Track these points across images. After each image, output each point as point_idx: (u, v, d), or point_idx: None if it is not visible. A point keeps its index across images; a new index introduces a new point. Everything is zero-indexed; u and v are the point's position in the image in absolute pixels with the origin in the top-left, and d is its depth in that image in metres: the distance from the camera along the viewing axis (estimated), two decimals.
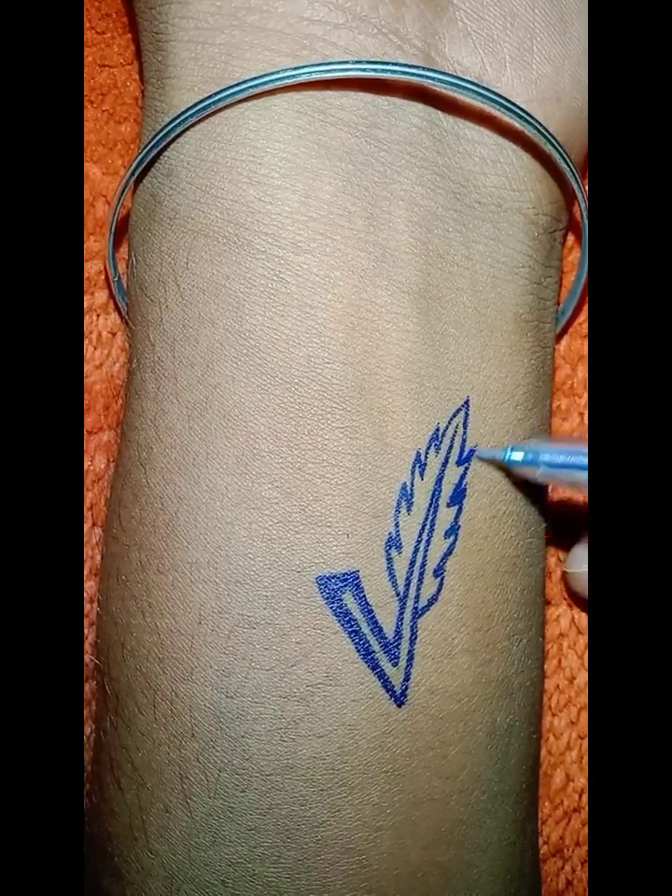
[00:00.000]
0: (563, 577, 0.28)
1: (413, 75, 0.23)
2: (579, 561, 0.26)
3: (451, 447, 0.24)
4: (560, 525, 0.27)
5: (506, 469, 0.24)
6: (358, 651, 0.22)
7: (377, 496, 0.23)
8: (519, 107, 0.23)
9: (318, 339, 0.23)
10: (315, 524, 0.22)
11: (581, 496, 0.27)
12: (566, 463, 0.23)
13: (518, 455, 0.24)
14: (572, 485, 0.24)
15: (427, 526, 0.23)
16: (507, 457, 0.24)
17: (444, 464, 0.23)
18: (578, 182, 0.25)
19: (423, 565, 0.23)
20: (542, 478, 0.24)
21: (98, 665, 0.24)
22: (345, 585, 0.22)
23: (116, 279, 0.26)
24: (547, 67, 0.25)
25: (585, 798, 0.27)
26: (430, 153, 0.24)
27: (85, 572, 0.26)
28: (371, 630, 0.23)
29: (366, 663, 0.22)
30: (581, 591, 0.27)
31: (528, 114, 0.23)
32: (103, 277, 0.28)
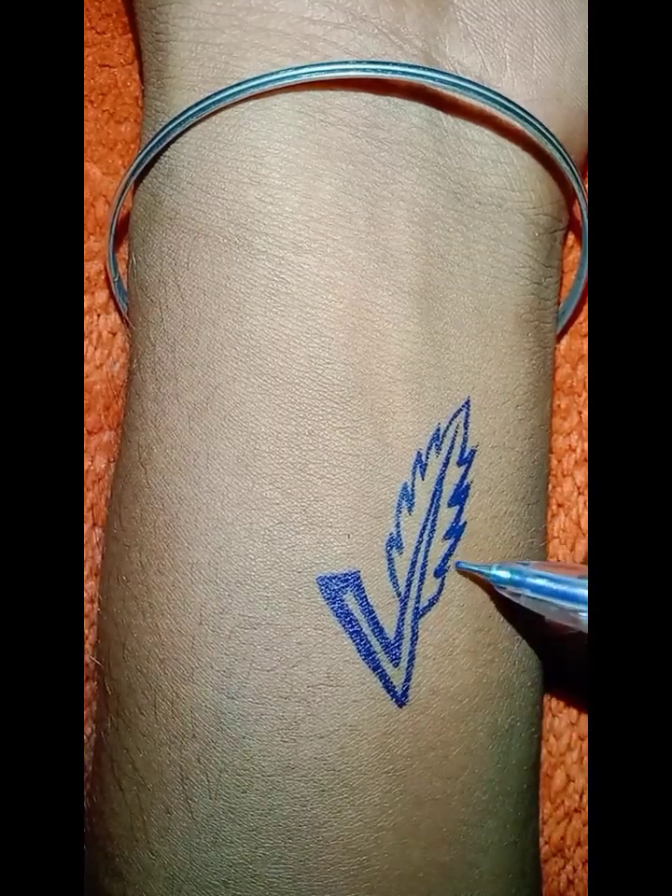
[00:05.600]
0: None
1: (414, 75, 0.23)
2: None
3: (452, 447, 0.24)
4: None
5: (490, 587, 0.23)
6: (360, 651, 0.22)
7: (378, 496, 0.23)
8: (520, 107, 0.23)
9: (319, 339, 0.23)
10: (316, 524, 0.22)
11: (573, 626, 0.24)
12: (556, 591, 0.22)
13: (504, 574, 0.22)
14: (561, 615, 0.22)
15: (428, 527, 0.23)
16: (492, 575, 0.23)
17: (445, 464, 0.23)
18: (578, 182, 0.25)
19: (424, 565, 0.23)
20: (528, 603, 0.22)
21: (98, 665, 0.24)
22: (346, 586, 0.22)
23: (116, 279, 0.26)
24: (547, 67, 0.25)
25: (586, 798, 0.27)
26: (431, 153, 0.24)
27: (85, 572, 0.26)
28: (373, 630, 0.23)
29: (367, 663, 0.22)
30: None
31: (529, 114, 0.23)
32: (103, 277, 0.28)
